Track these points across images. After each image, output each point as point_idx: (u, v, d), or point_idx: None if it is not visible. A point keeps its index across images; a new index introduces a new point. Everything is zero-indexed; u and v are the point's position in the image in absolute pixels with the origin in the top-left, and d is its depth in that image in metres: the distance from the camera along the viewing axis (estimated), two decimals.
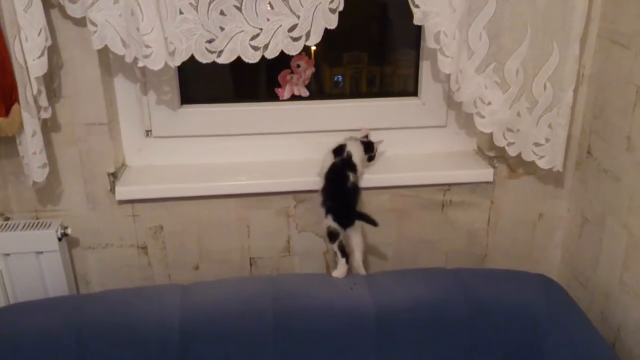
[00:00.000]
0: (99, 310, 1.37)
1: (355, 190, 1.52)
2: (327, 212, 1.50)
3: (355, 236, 1.52)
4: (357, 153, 1.55)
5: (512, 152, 1.53)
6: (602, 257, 1.56)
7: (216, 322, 1.36)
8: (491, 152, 1.63)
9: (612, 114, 1.48)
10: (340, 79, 1.72)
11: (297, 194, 1.63)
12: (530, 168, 1.64)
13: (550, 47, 1.43)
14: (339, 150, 1.54)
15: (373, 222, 1.48)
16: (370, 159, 1.61)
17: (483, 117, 1.48)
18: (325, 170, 1.53)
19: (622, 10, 1.42)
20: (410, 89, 1.70)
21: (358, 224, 1.51)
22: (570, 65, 1.44)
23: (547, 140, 1.52)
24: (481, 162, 1.67)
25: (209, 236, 1.65)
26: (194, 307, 1.38)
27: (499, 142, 1.51)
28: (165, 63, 1.32)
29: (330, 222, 1.49)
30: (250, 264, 1.70)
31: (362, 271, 1.52)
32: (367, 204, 1.65)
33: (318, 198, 1.53)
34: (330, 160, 1.53)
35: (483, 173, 1.64)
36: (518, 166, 1.65)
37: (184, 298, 1.40)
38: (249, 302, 1.40)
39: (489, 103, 1.46)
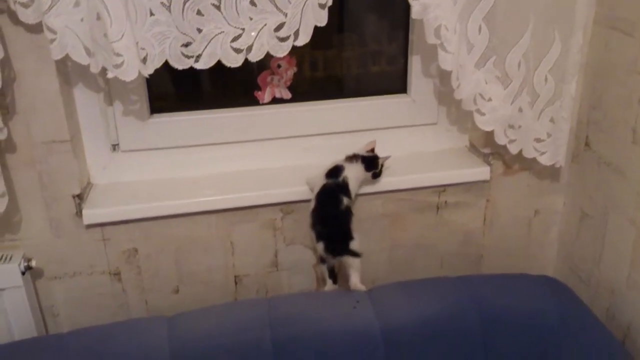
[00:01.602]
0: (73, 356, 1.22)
1: (348, 214, 1.39)
2: (318, 238, 1.39)
3: (351, 260, 1.40)
4: (355, 179, 1.42)
5: (513, 149, 1.45)
6: (606, 253, 1.50)
7: (210, 358, 1.22)
8: (486, 148, 1.55)
9: (614, 105, 1.41)
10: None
11: (283, 205, 1.50)
12: (526, 163, 1.56)
13: (551, 37, 1.34)
14: (334, 173, 1.41)
15: (357, 255, 1.39)
16: (375, 176, 1.46)
17: (483, 114, 1.38)
18: (316, 189, 1.40)
19: None
20: (398, 86, 1.58)
21: (353, 246, 1.39)
22: (573, 56, 1.36)
23: (548, 135, 1.44)
24: (476, 159, 1.58)
25: (189, 256, 1.51)
26: (183, 343, 1.24)
27: (501, 140, 1.43)
28: (139, 72, 1.16)
29: (321, 250, 1.39)
30: (235, 283, 1.56)
31: (362, 288, 1.41)
32: (359, 210, 1.54)
33: (308, 216, 1.42)
34: (322, 180, 1.40)
35: (479, 172, 1.55)
36: (514, 162, 1.58)
37: (171, 333, 1.26)
38: (245, 332, 1.27)
39: (490, 99, 1.37)
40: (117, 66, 1.12)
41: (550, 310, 1.37)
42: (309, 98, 1.55)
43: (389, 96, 1.58)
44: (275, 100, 1.54)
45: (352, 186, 1.41)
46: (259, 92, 1.52)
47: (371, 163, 1.44)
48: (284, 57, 1.47)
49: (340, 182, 1.39)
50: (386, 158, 1.46)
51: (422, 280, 1.44)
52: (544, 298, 1.40)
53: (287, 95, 1.54)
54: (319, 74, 1.59)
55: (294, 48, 1.24)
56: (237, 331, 1.28)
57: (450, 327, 1.31)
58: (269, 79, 1.51)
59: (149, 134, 1.46)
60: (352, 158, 1.44)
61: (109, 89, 1.39)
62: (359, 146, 1.49)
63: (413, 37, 1.49)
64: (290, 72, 1.51)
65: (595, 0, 1.42)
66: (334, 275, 1.44)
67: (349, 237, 1.38)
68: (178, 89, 1.52)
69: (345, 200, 1.38)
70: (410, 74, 1.55)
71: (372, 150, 1.47)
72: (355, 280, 1.40)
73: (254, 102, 1.53)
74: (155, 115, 1.47)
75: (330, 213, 1.38)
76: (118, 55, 1.11)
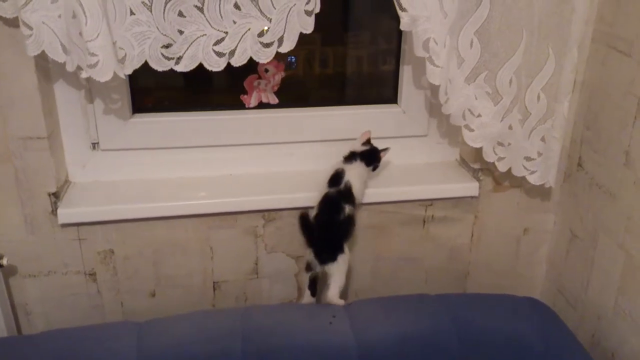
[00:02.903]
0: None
1: (348, 224, 1.37)
2: (309, 244, 1.36)
3: (334, 271, 1.37)
4: (358, 180, 1.38)
5: (502, 167, 1.41)
6: (594, 277, 1.46)
7: None
8: (476, 164, 1.51)
9: (608, 126, 1.37)
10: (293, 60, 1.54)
11: (265, 212, 1.47)
12: (516, 181, 1.52)
13: (545, 54, 1.30)
14: (335, 180, 1.37)
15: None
16: (375, 168, 1.44)
17: (472, 130, 1.34)
18: (319, 197, 1.38)
19: (622, 12, 1.30)
20: (389, 96, 1.55)
21: (341, 259, 1.36)
22: (567, 74, 1.32)
23: (539, 154, 1.40)
24: (465, 174, 1.54)
25: (167, 260, 1.47)
26: (152, 351, 1.21)
27: (489, 157, 1.39)
28: (115, 73, 1.12)
29: (309, 256, 1.36)
30: (214, 289, 1.53)
31: (338, 302, 1.38)
32: None
33: (297, 220, 1.40)
34: (324, 188, 1.38)
35: (468, 187, 1.51)
36: (504, 179, 1.54)
37: (141, 340, 1.23)
38: (216, 342, 1.24)
39: (479, 115, 1.33)
40: (92, 66, 1.09)
41: (532, 334, 1.33)
42: (296, 104, 1.51)
43: (378, 106, 1.54)
44: (261, 105, 1.50)
45: (357, 189, 1.38)
46: (245, 96, 1.48)
47: (371, 157, 1.41)
48: (272, 62, 1.44)
49: (342, 190, 1.36)
50: (386, 150, 1.43)
51: (402, 296, 1.40)
52: (527, 321, 1.36)
53: (274, 100, 1.50)
54: (308, 80, 1.56)
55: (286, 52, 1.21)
56: (208, 341, 1.24)
57: (427, 348, 1.28)
58: (255, 83, 1.47)
59: (130, 133, 1.43)
60: (350, 158, 1.40)
61: (90, 86, 1.35)
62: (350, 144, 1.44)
63: (405, 47, 1.45)
64: (277, 77, 1.48)
65: (594, 17, 1.38)
66: (314, 286, 1.40)
67: (339, 248, 1.37)
68: (162, 89, 1.49)
69: (348, 209, 1.35)
70: (401, 85, 1.51)
71: (368, 141, 1.42)
72: (333, 293, 1.37)
73: (240, 105, 1.49)
74: (137, 115, 1.44)
75: (329, 222, 1.36)
76: (93, 55, 1.08)
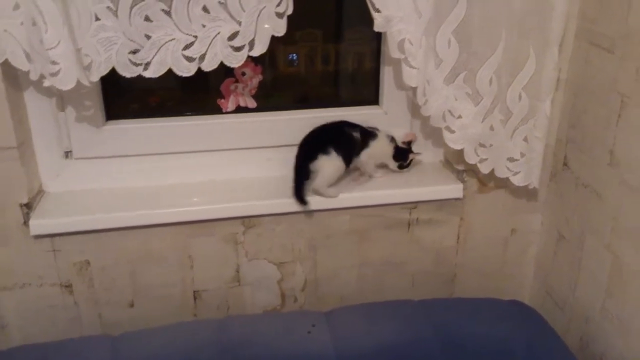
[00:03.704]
0: None
1: (352, 141, 1.40)
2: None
3: (318, 165, 1.38)
4: (373, 155, 1.42)
5: (484, 169, 1.38)
6: (582, 278, 1.43)
7: None
8: (460, 165, 1.48)
9: (593, 124, 1.34)
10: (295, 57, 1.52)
11: (245, 219, 1.44)
12: (502, 181, 1.49)
13: (526, 53, 1.27)
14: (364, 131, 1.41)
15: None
16: (401, 167, 1.47)
17: (453, 132, 1.31)
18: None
19: (604, 9, 1.27)
20: (370, 97, 1.51)
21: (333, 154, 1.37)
22: (548, 73, 1.28)
23: (522, 155, 1.37)
24: (449, 176, 1.51)
25: (145, 269, 1.44)
26: None
27: (471, 159, 1.35)
28: (78, 81, 1.09)
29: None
30: (195, 298, 1.50)
31: (326, 194, 1.40)
32: (326, 226, 1.48)
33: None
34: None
35: (452, 189, 1.48)
36: (489, 180, 1.50)
37: (115, 354, 1.19)
38: (192, 355, 1.21)
39: (459, 116, 1.30)
40: (54, 74, 1.06)
41: (517, 339, 1.30)
42: (275, 107, 1.48)
43: (359, 107, 1.51)
44: (239, 109, 1.47)
45: (364, 158, 1.41)
46: (222, 100, 1.45)
47: (401, 154, 1.45)
48: (249, 65, 1.41)
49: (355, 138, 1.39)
50: (418, 154, 1.48)
51: (384, 303, 1.37)
52: (512, 325, 1.33)
53: (252, 104, 1.47)
54: (287, 83, 1.52)
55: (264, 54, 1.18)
56: (184, 353, 1.21)
57: (409, 355, 1.24)
58: (232, 86, 1.44)
59: (104, 141, 1.39)
60: (390, 138, 1.43)
61: (62, 93, 1.32)
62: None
63: (385, 47, 1.42)
64: (255, 81, 1.44)
65: (576, 14, 1.34)
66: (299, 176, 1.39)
67: (325, 149, 1.37)
68: (136, 95, 1.45)
69: (355, 135, 1.39)
70: (383, 85, 1.47)
71: (410, 143, 1.45)
72: (316, 184, 1.39)
73: (217, 110, 1.46)
74: (111, 121, 1.40)
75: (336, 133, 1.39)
76: (54, 63, 1.05)
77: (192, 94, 1.48)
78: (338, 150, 1.37)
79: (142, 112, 1.44)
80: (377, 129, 1.43)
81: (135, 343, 1.24)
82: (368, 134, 1.41)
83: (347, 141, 1.39)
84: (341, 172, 1.41)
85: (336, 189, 1.41)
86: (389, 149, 1.43)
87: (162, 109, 1.46)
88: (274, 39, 1.17)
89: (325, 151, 1.36)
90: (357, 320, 1.30)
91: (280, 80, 1.51)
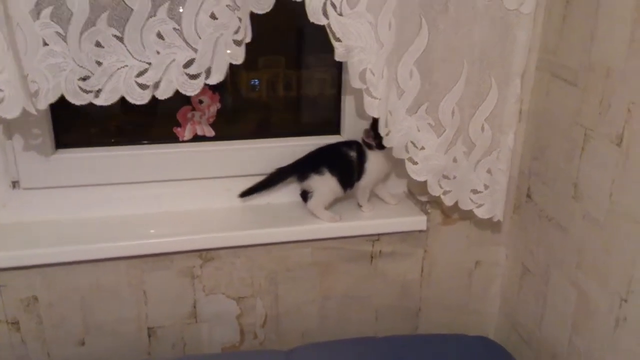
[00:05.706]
0: None
1: (351, 163, 1.38)
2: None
3: (316, 184, 1.38)
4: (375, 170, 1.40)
5: (448, 201, 1.35)
6: (548, 313, 1.40)
7: None
8: (423, 196, 1.45)
9: (555, 157, 1.32)
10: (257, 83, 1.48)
11: (203, 252, 1.38)
12: (465, 213, 1.46)
13: (488, 84, 1.26)
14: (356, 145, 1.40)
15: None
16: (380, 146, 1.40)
17: (416, 163, 1.28)
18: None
19: (565, 41, 1.26)
20: (331, 127, 1.48)
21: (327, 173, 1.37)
22: (511, 105, 1.28)
23: (486, 187, 1.35)
24: (413, 207, 1.48)
25: (96, 305, 1.37)
26: None
27: (434, 191, 1.33)
28: (24, 109, 1.03)
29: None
30: (149, 335, 1.43)
31: (322, 218, 1.40)
32: (287, 259, 1.43)
33: None
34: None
35: (415, 221, 1.45)
36: (453, 211, 1.48)
37: None
38: None
39: (422, 148, 1.27)
40: None
41: None
42: (234, 137, 1.44)
43: (320, 137, 1.47)
44: (197, 138, 1.42)
45: (368, 174, 1.39)
46: (179, 129, 1.41)
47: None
48: (206, 92, 1.37)
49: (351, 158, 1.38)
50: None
51: (347, 340, 1.33)
52: None
53: (210, 132, 1.42)
54: (247, 111, 1.48)
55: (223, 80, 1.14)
56: None
57: None
58: (189, 115, 1.40)
59: (54, 170, 1.33)
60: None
61: (8, 121, 1.25)
62: None
63: (346, 76, 1.39)
64: (213, 109, 1.40)
65: (538, 45, 1.34)
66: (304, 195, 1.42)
67: (316, 169, 1.37)
68: (88, 123, 1.40)
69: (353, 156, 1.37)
70: (344, 115, 1.45)
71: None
72: (310, 205, 1.39)
73: (173, 139, 1.41)
74: (61, 150, 1.35)
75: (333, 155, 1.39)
76: None
77: (147, 122, 1.43)
78: (332, 171, 1.36)
79: (94, 140, 1.38)
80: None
81: None
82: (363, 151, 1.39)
83: (343, 162, 1.38)
84: (337, 194, 1.39)
85: (334, 214, 1.39)
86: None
87: (115, 137, 1.40)
88: (235, 64, 1.13)
89: (318, 171, 1.35)
90: None
91: (240, 108, 1.47)
